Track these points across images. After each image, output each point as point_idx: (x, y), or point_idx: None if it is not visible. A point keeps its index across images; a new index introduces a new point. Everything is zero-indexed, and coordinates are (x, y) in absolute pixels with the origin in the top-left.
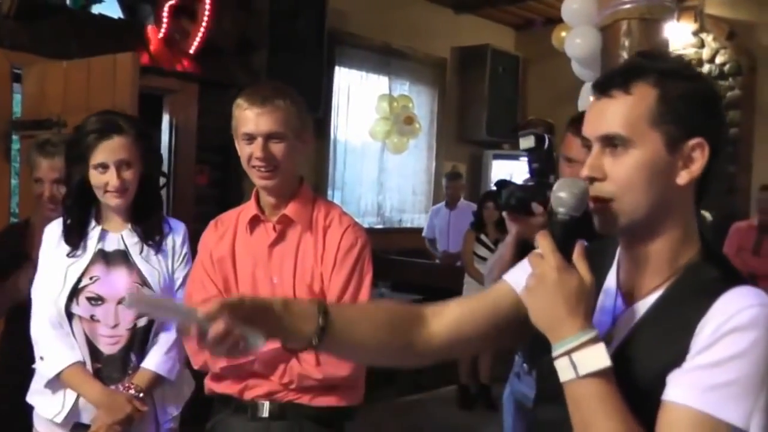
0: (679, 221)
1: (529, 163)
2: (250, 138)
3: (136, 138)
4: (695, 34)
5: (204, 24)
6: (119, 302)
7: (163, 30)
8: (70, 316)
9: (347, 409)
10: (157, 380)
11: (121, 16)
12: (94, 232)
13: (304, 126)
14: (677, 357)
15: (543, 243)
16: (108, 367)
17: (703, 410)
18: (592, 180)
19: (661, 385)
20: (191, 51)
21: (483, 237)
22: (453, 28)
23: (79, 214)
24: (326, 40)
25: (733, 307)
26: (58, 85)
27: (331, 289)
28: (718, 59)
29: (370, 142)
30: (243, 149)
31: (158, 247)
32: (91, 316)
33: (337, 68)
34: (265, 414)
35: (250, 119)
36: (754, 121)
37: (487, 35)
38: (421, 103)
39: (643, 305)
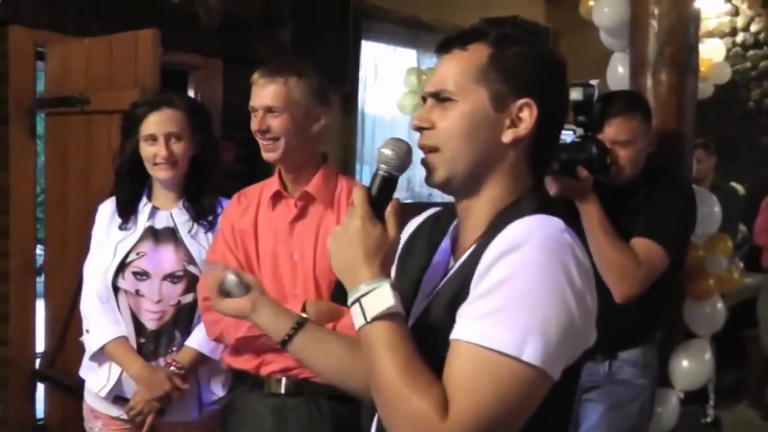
0: (503, 179)
1: (575, 116)
2: (254, 111)
3: (188, 113)
4: (728, 0)
5: None
6: (164, 278)
7: (185, 5)
8: (116, 290)
9: None
10: (200, 359)
11: None
12: (145, 209)
13: (319, 103)
14: (461, 291)
15: (356, 194)
16: (151, 343)
17: (473, 341)
18: (420, 129)
19: (450, 322)
20: (214, 26)
21: None
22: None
23: (132, 188)
24: (352, 13)
25: (511, 231)
26: (80, 62)
27: None
28: (753, 27)
29: (399, 116)
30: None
31: (209, 227)
32: (137, 291)
33: (363, 42)
34: (282, 390)
35: (254, 93)
36: None
37: (516, 6)
38: None
39: (465, 256)
